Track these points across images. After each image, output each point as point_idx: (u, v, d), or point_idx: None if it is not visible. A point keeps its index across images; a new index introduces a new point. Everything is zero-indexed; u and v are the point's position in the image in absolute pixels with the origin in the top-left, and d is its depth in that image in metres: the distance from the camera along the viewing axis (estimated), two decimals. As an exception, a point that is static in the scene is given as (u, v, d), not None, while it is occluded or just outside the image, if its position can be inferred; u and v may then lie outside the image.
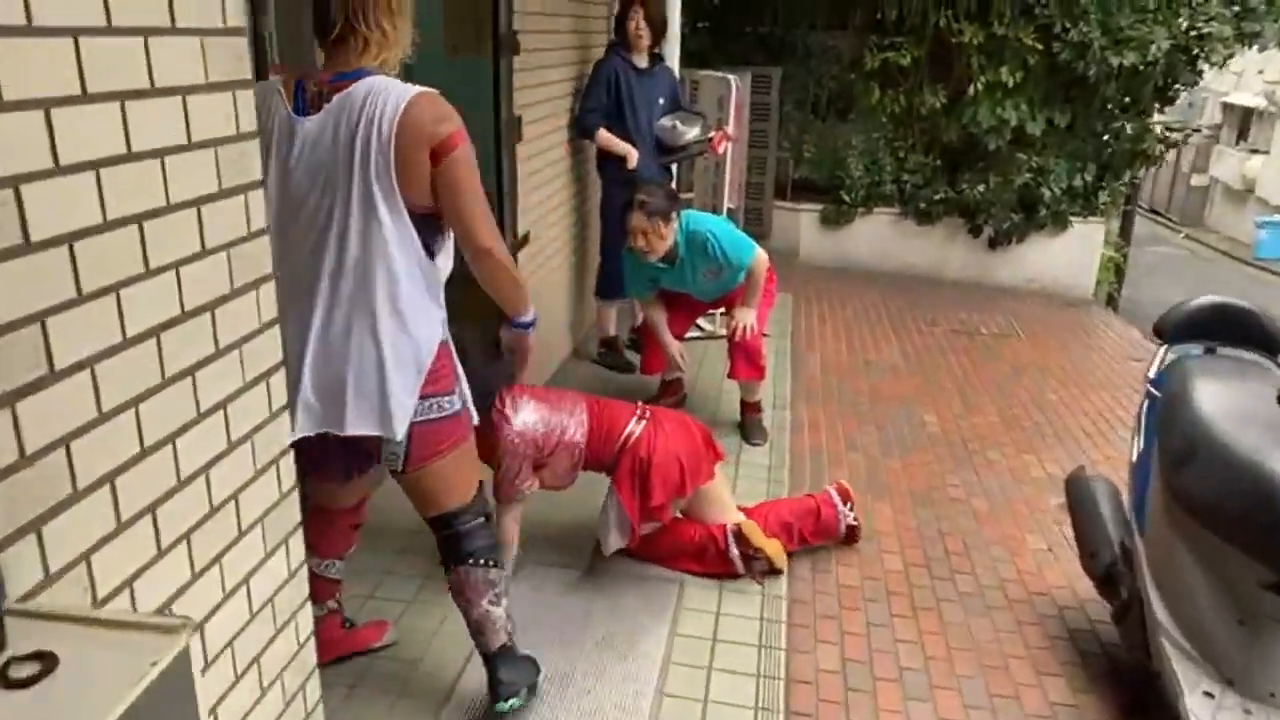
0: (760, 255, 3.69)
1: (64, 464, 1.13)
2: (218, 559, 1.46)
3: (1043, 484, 3.82)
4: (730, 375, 3.91)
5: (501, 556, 2.27)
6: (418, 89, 1.83)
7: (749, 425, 3.98)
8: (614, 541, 2.79)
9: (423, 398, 1.95)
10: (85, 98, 1.12)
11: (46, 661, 0.92)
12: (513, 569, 2.80)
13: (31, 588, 1.09)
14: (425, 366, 1.94)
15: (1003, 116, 6.75)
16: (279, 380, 1.60)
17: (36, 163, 1.06)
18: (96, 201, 1.15)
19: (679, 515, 2.93)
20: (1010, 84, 6.66)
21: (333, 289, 1.88)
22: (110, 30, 1.16)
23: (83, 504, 1.16)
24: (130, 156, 1.20)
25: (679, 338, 4.02)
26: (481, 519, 2.16)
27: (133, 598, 1.26)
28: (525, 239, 3.84)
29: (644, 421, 2.79)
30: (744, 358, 3.83)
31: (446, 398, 2.00)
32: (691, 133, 4.50)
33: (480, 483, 2.20)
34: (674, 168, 4.72)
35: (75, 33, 1.10)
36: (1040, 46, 6.56)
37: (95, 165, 1.14)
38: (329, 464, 2.15)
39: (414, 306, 1.90)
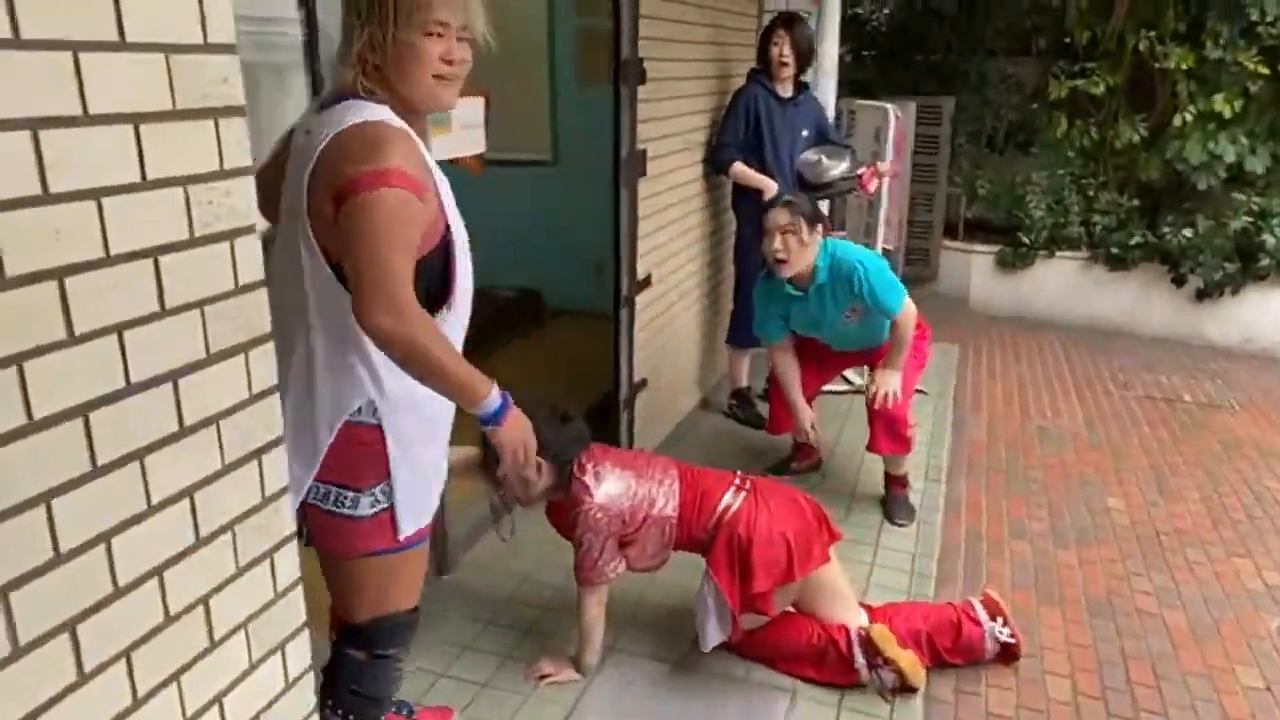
0: (910, 306, 3.21)
1: None
2: (174, 678, 1.21)
3: (1260, 599, 3.11)
4: (869, 448, 3.42)
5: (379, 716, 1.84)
6: (364, 119, 1.47)
7: (892, 502, 3.48)
8: (712, 635, 2.40)
9: (321, 481, 1.60)
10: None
11: None
12: (598, 658, 2.47)
13: None
14: (322, 444, 1.57)
15: (1216, 151, 5.89)
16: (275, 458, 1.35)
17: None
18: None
19: (791, 610, 2.51)
20: (1227, 114, 5.81)
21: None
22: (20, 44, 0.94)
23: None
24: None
25: (812, 396, 3.58)
26: (370, 657, 1.75)
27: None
28: (646, 281, 3.55)
29: (743, 493, 2.40)
30: (885, 429, 3.33)
31: (351, 493, 1.61)
32: (838, 168, 4.06)
33: (391, 615, 1.75)
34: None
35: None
36: (1266, 71, 5.69)
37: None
38: None
39: (324, 374, 1.55)
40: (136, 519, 1.13)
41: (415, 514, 1.68)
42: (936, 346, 5.61)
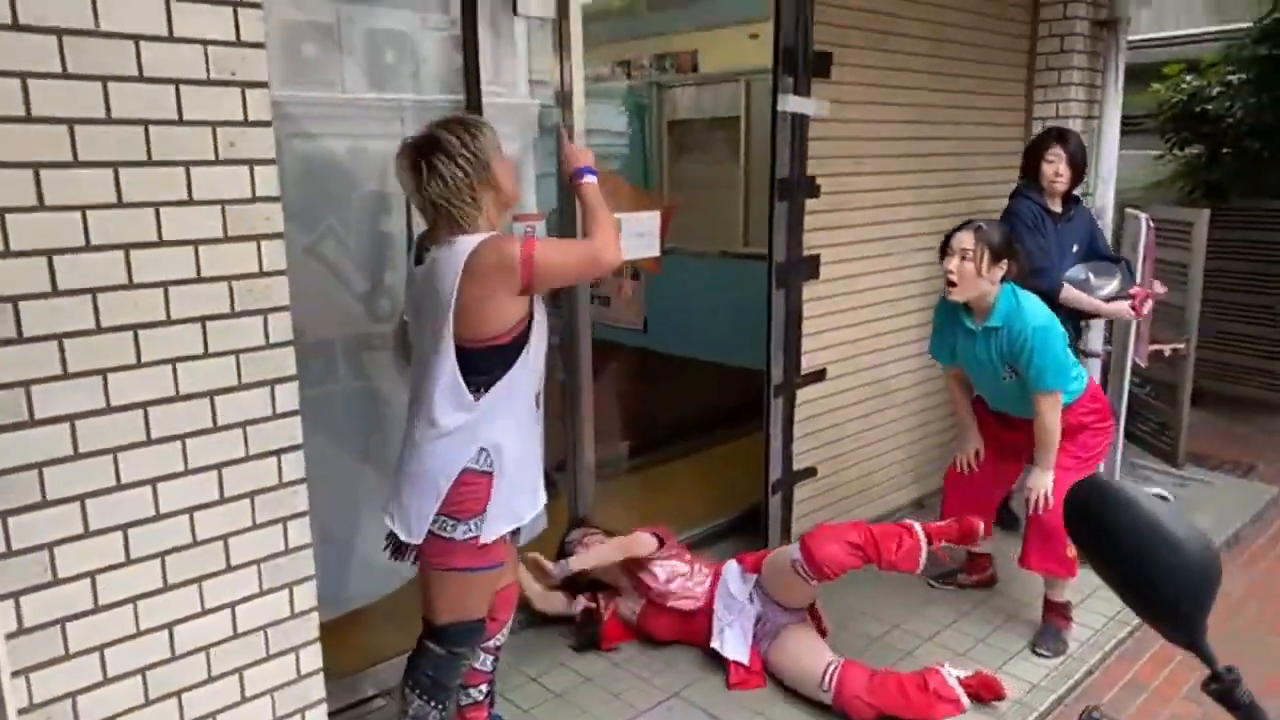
0: (1057, 397, 3.04)
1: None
2: (195, 581, 1.95)
3: None
4: (1020, 560, 3.26)
5: (446, 700, 2.37)
6: (481, 237, 2.13)
7: (1043, 629, 3.27)
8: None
9: (438, 514, 2.20)
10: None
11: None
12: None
13: None
14: (443, 489, 2.18)
15: None
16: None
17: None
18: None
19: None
20: None
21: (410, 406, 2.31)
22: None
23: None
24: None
25: (991, 511, 3.43)
26: (445, 653, 2.32)
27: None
28: (817, 374, 3.80)
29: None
30: (1039, 541, 3.15)
31: (453, 521, 2.20)
32: (1107, 287, 3.82)
33: (464, 623, 2.32)
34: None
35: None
36: None
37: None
38: None
39: (445, 439, 2.18)
40: (175, 475, 1.88)
41: (495, 544, 2.25)
42: (1246, 481, 4.92)
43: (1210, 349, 6.26)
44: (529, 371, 2.23)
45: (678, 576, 3.10)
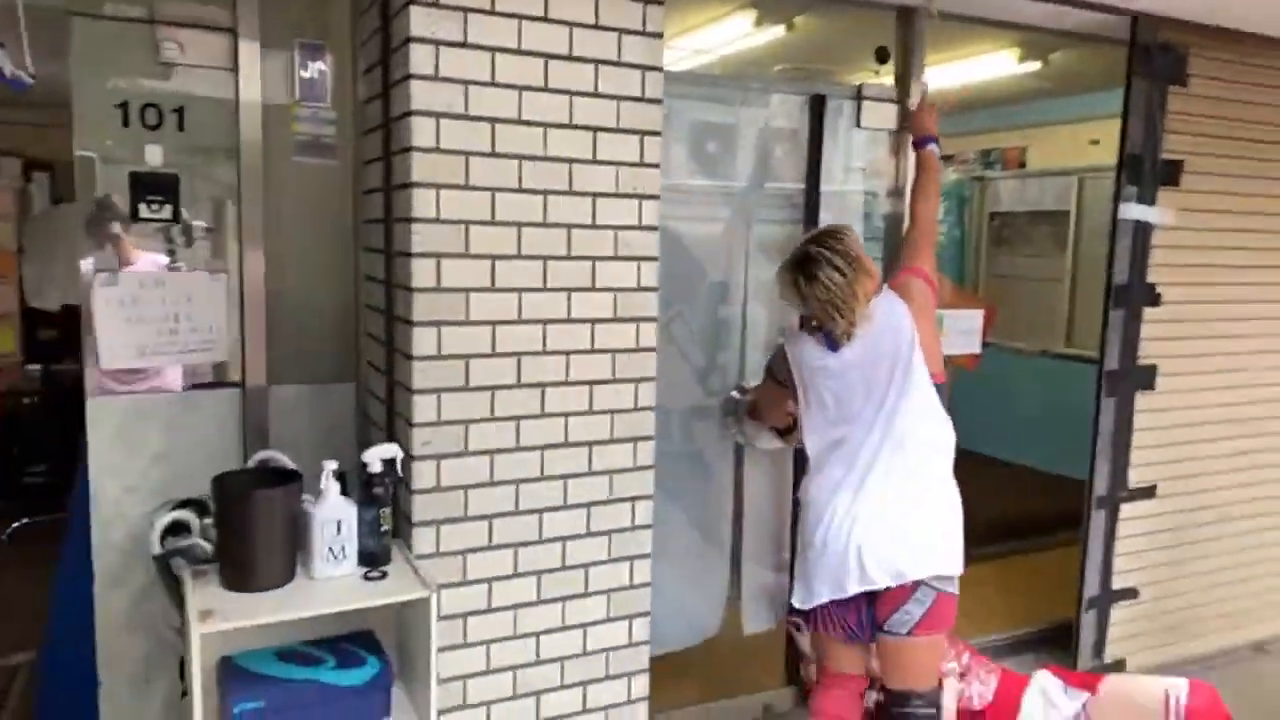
0: None
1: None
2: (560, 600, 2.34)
3: None
4: None
5: None
6: (891, 293, 2.40)
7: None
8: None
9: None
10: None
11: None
12: None
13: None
14: (957, 543, 2.39)
15: None
16: (645, 507, 2.41)
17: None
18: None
19: None
20: None
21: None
22: (547, 288, 2.23)
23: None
24: (545, 352, 2.24)
25: None
26: (933, 710, 2.41)
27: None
28: (1147, 490, 3.62)
29: None
30: None
31: (956, 578, 2.36)
32: None
33: (940, 679, 2.47)
34: None
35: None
36: None
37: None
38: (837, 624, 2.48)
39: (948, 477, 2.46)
40: (557, 508, 2.30)
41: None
42: None
43: None
44: None
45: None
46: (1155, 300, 3.50)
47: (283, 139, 2.42)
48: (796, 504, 2.74)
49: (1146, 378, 3.54)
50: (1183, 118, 3.44)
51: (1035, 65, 4.15)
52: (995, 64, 4.12)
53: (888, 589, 2.31)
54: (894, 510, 2.32)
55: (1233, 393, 3.81)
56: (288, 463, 2.23)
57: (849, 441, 2.39)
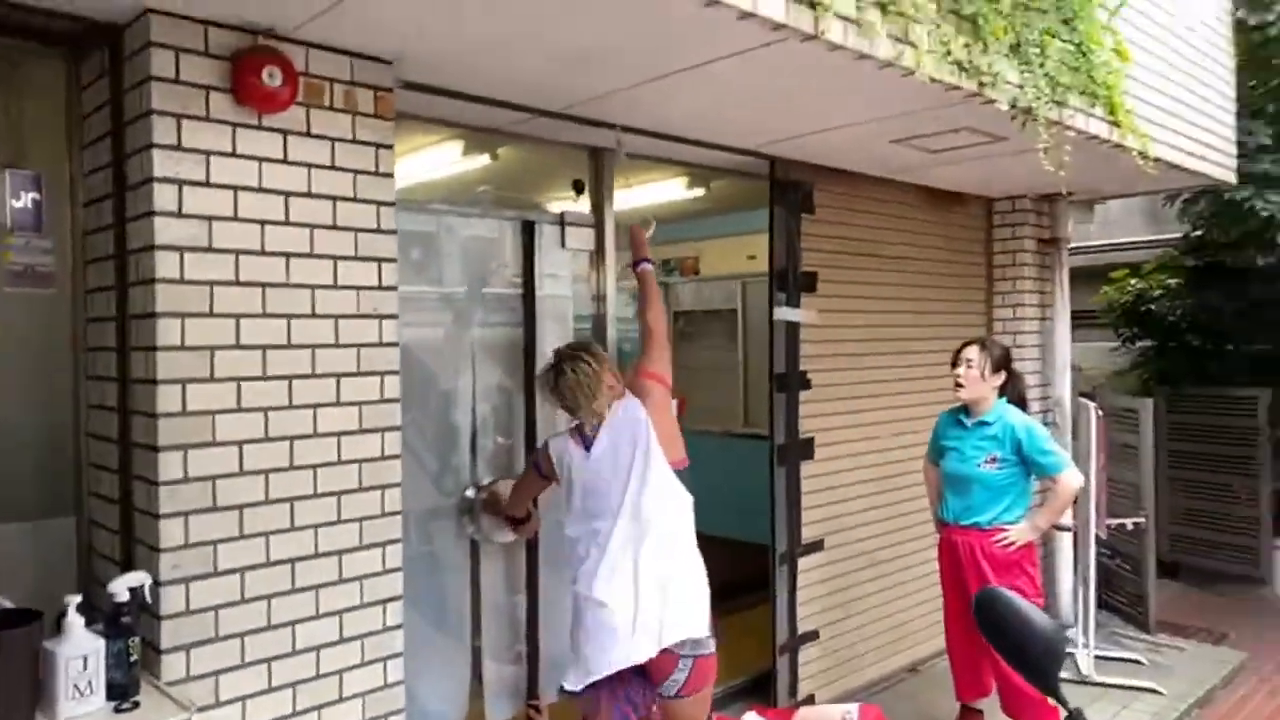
0: (1067, 476, 3.56)
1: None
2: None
3: None
4: (1004, 710, 3.65)
5: None
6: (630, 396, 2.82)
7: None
8: None
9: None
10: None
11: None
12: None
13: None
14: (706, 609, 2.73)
15: None
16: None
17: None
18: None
19: None
20: None
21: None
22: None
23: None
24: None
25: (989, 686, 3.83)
26: None
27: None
28: (815, 545, 4.30)
29: None
30: (1010, 691, 3.60)
31: (711, 637, 2.70)
32: None
33: None
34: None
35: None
36: None
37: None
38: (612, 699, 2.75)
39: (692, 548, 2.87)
40: (309, 619, 2.37)
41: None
42: (1218, 648, 5.24)
43: (1181, 525, 6.77)
44: None
45: None
46: (807, 384, 4.25)
47: (-8, 267, 2.35)
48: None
49: (807, 449, 4.27)
50: (813, 238, 4.28)
51: (700, 191, 4.92)
52: (669, 190, 4.82)
53: (654, 657, 2.62)
54: (649, 586, 2.64)
55: (871, 455, 4.67)
56: (7, 603, 2.12)
57: (603, 529, 2.72)
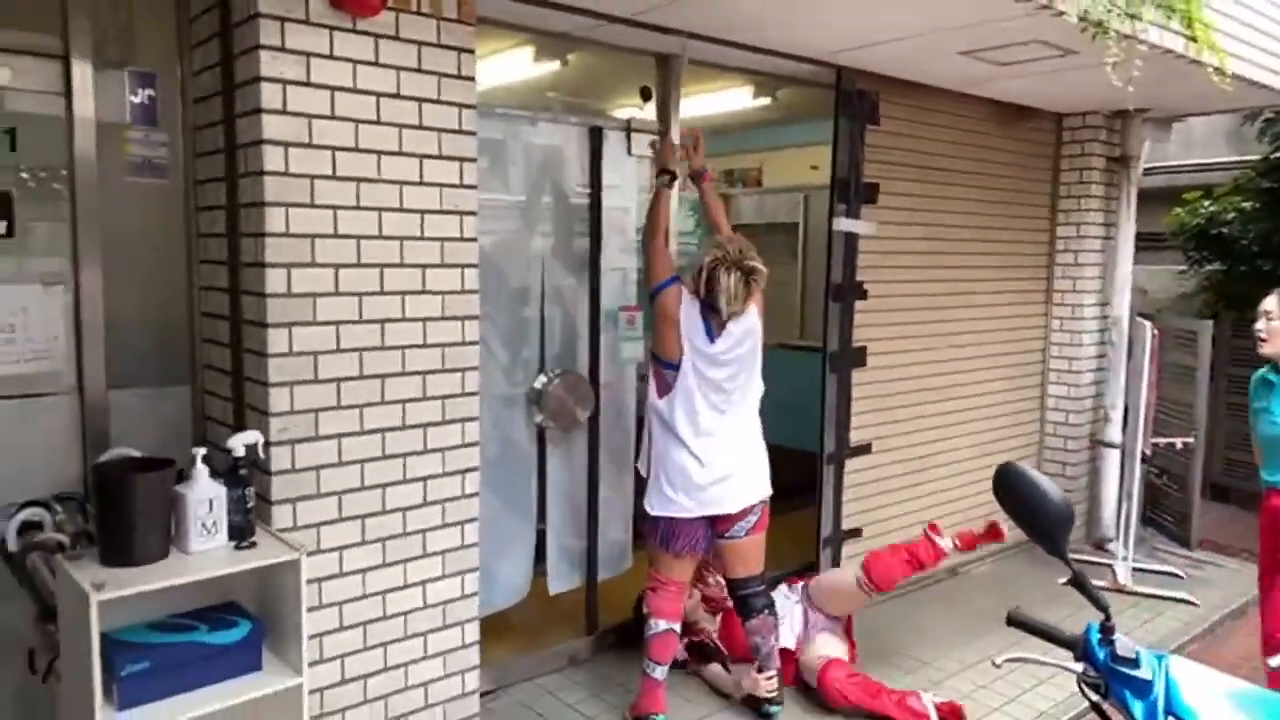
0: None
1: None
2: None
3: None
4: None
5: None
6: None
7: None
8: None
9: None
10: (363, 321, 2.55)
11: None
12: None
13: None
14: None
15: None
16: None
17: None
18: (360, 366, 2.56)
19: None
20: None
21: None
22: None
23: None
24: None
25: None
26: (764, 586, 3.42)
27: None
28: (863, 448, 4.48)
29: None
30: None
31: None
32: None
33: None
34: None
35: (363, 293, 2.54)
36: None
37: (362, 350, 2.56)
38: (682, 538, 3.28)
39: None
40: (399, 482, 2.65)
41: None
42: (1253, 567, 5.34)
43: (1236, 450, 6.77)
44: None
45: None
46: (864, 294, 4.37)
47: (115, 158, 2.58)
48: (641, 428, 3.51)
49: (860, 357, 4.41)
50: (877, 149, 4.33)
51: (766, 100, 4.97)
52: (734, 99, 4.87)
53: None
54: (743, 450, 3.27)
55: (923, 366, 4.80)
56: (136, 454, 2.42)
57: (715, 396, 3.21)
